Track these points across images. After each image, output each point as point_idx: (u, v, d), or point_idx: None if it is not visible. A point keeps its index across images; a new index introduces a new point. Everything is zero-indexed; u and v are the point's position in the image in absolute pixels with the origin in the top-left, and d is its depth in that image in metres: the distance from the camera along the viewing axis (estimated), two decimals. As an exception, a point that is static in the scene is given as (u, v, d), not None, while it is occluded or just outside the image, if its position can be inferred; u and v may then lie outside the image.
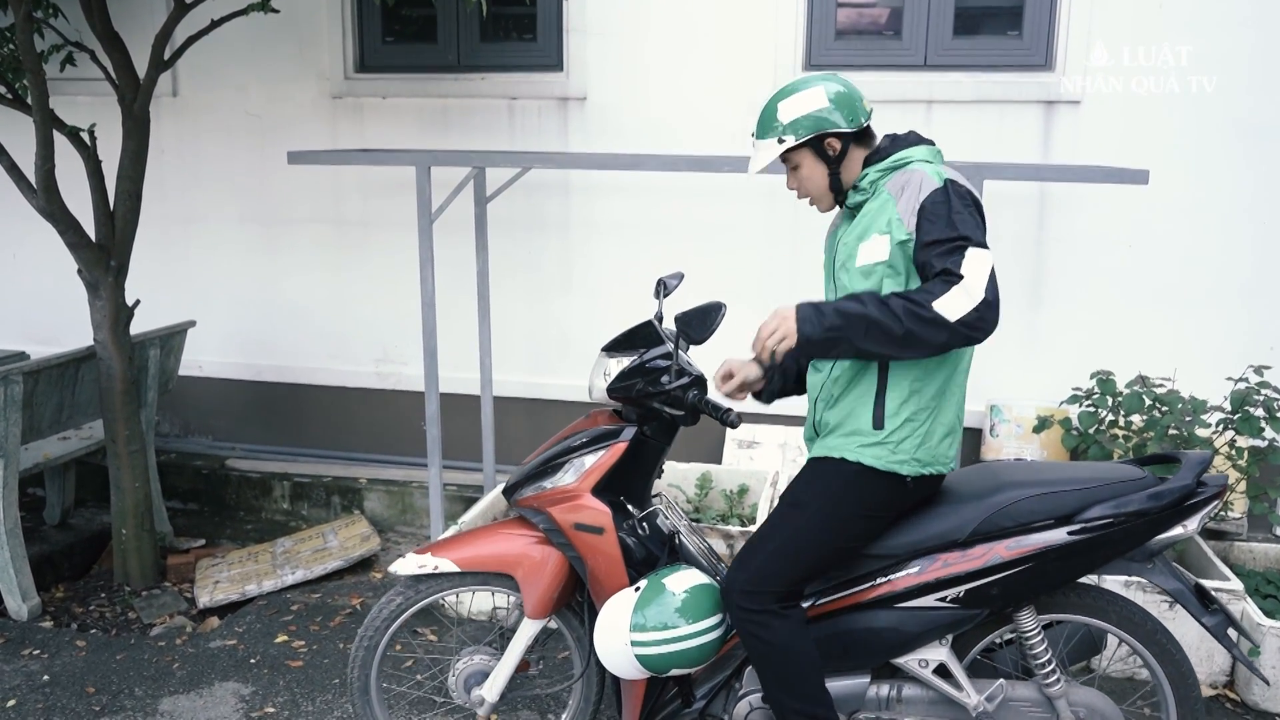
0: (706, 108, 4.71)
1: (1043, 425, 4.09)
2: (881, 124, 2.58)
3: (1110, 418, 3.95)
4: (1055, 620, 2.55)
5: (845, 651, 2.49)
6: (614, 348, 2.63)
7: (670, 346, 2.54)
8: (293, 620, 4.02)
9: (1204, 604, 2.41)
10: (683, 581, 2.52)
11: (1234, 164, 4.29)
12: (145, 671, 3.62)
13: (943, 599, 2.41)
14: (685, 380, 2.50)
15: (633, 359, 2.56)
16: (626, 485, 2.62)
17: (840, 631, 2.49)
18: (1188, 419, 3.75)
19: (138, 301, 4.23)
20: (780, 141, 2.39)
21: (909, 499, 2.43)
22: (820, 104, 2.36)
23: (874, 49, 4.64)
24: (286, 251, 5.35)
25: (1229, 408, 3.81)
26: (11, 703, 3.41)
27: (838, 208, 2.52)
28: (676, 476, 4.43)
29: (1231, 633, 2.40)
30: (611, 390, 2.57)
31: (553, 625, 2.79)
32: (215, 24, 4.24)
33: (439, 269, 4.11)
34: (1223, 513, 4.10)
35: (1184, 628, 3.19)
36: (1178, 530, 2.36)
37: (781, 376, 2.68)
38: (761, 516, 3.97)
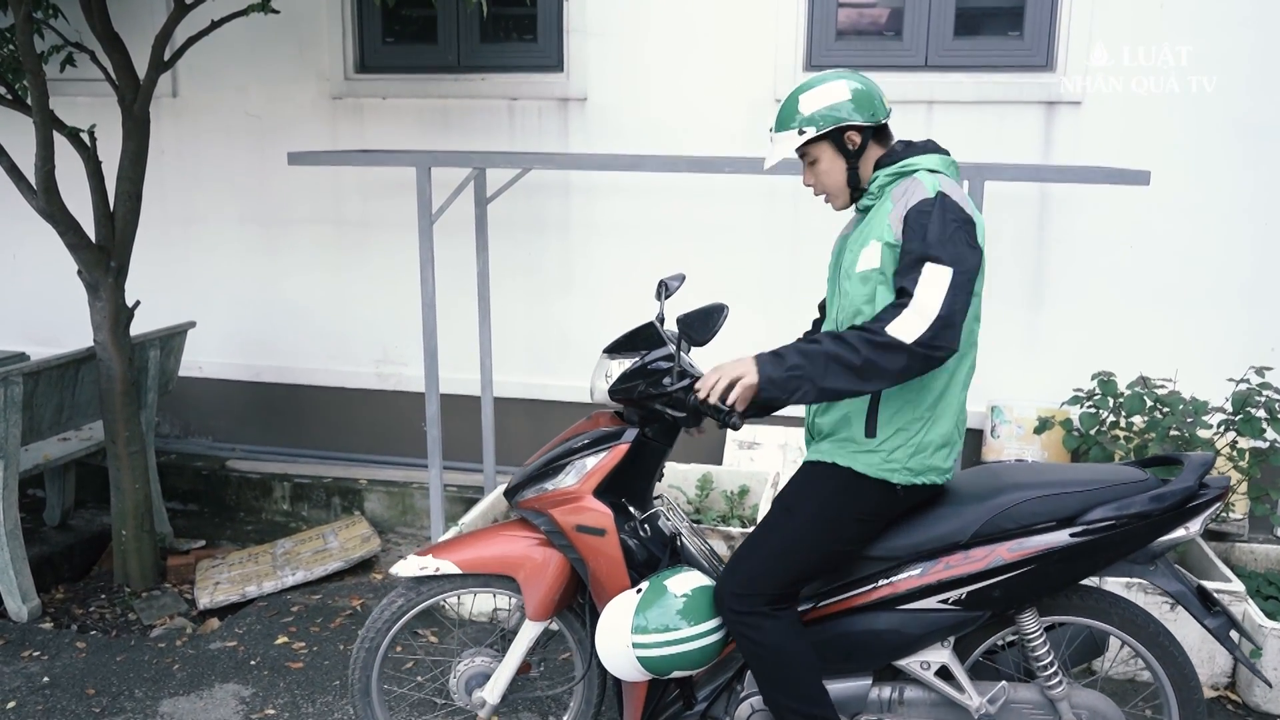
0: (706, 108, 4.71)
1: (1044, 426, 4.09)
2: (883, 125, 2.57)
3: (1111, 419, 3.95)
4: (1057, 622, 2.55)
5: (847, 653, 2.49)
6: (616, 349, 2.63)
7: (672, 348, 2.54)
8: (293, 621, 4.01)
9: (1206, 606, 2.41)
10: (684, 583, 2.52)
11: (1234, 164, 4.29)
12: (145, 673, 3.62)
13: (945, 601, 2.41)
14: (687, 382, 2.50)
15: (634, 361, 2.55)
16: (628, 487, 2.61)
17: (842, 633, 2.49)
18: (1189, 420, 3.75)
19: (138, 302, 4.23)
20: (801, 133, 2.39)
21: (899, 506, 2.43)
22: (842, 97, 2.37)
23: (875, 49, 4.64)
24: (287, 252, 5.35)
25: (1230, 409, 3.81)
26: (11, 704, 3.40)
27: (853, 211, 2.52)
28: (677, 477, 4.43)
29: (1233, 634, 2.40)
30: (613, 392, 2.56)
31: (554, 627, 2.79)
32: (215, 25, 4.24)
33: (439, 270, 4.11)
34: (1224, 514, 4.10)
35: (1185, 629, 3.19)
36: (1180, 532, 2.36)
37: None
38: (762, 517, 3.97)
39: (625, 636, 2.46)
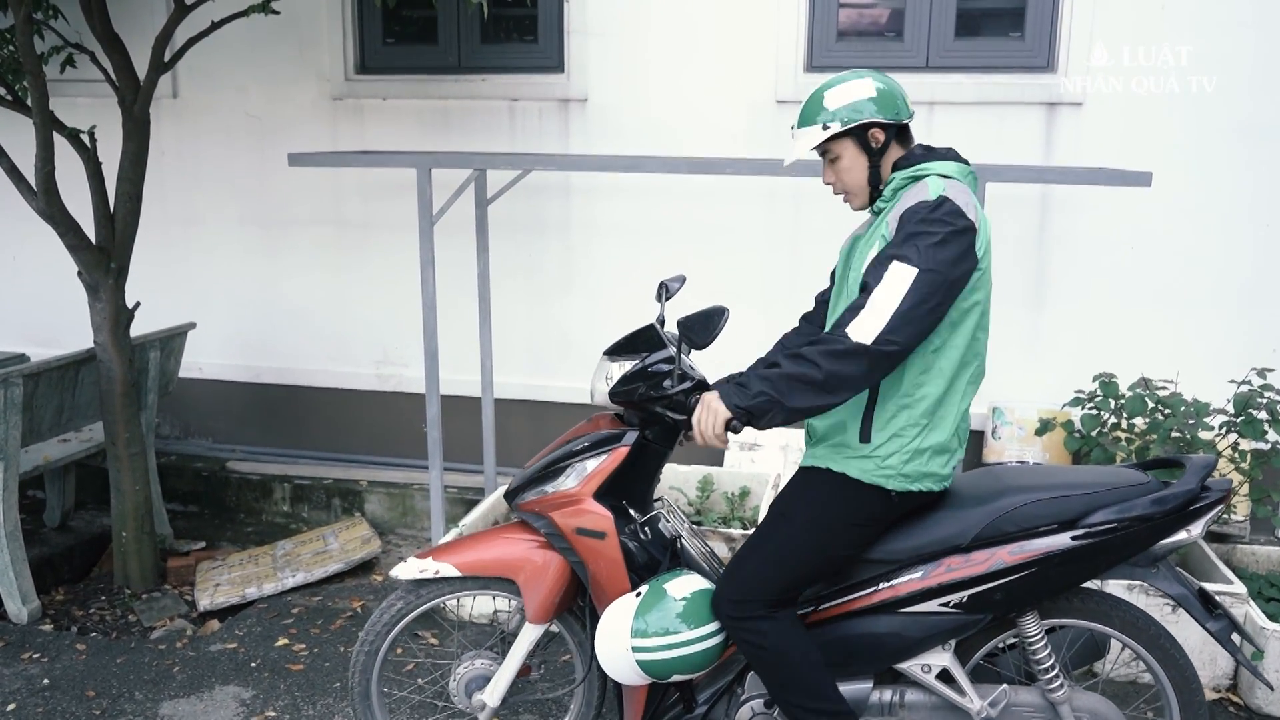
0: (707, 109, 4.71)
1: (1045, 428, 4.08)
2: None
3: (1113, 420, 3.94)
4: (1058, 625, 2.54)
5: (848, 657, 2.49)
6: (616, 351, 2.62)
7: (673, 350, 2.53)
8: (293, 623, 4.01)
9: (1207, 608, 2.40)
10: (684, 587, 2.51)
11: (1235, 165, 4.29)
12: (145, 675, 3.61)
13: (946, 604, 2.41)
14: (688, 384, 2.49)
15: (635, 363, 2.55)
16: (628, 489, 2.61)
17: (843, 636, 2.48)
18: (1190, 422, 3.74)
19: (138, 303, 4.22)
20: (825, 128, 2.38)
21: (895, 512, 2.42)
22: (866, 94, 2.37)
23: (875, 50, 4.63)
24: (287, 253, 5.34)
25: (1232, 410, 3.80)
26: (11, 706, 3.40)
27: (867, 212, 2.51)
28: (678, 479, 4.42)
29: (1235, 637, 2.39)
30: (613, 394, 2.56)
31: (554, 630, 2.78)
32: (215, 25, 4.23)
33: (440, 271, 4.11)
34: (1226, 516, 4.09)
35: (1187, 631, 3.19)
36: (1181, 535, 2.35)
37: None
38: (760, 522, 3.96)
39: (625, 640, 2.46)
